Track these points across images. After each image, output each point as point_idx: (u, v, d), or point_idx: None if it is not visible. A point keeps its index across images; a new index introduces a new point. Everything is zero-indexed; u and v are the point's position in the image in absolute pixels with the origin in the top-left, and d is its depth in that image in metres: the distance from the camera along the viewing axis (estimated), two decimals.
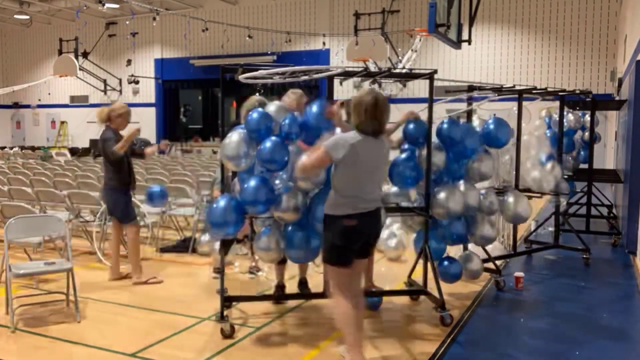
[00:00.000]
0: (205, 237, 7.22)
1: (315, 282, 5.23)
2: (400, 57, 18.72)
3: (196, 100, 26.11)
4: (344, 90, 19.74)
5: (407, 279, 5.59)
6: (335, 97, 4.73)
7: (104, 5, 16.32)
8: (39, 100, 26.87)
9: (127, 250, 6.20)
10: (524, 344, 4.43)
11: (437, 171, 5.23)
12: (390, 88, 19.90)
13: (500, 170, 6.18)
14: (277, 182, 4.46)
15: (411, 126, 5.04)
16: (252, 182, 4.29)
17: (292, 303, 5.22)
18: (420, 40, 17.59)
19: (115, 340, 4.39)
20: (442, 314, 4.73)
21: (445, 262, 5.41)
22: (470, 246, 5.80)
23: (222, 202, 4.35)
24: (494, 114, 5.67)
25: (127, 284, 5.98)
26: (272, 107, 4.52)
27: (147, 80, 24.30)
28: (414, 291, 5.39)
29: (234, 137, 4.35)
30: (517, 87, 6.44)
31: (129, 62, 24.27)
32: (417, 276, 5.41)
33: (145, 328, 4.67)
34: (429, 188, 5.01)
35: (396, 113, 4.68)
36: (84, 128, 25.58)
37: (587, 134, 8.24)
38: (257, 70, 4.72)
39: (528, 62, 18.02)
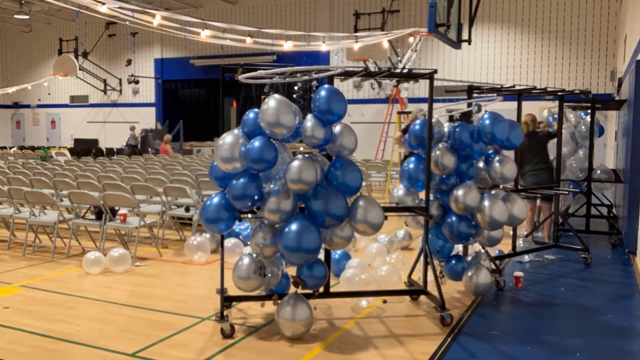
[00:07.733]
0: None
1: None
2: (400, 57, 18.71)
3: (196, 99, 26.08)
4: (343, 91, 19.73)
5: (407, 279, 5.59)
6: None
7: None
8: (39, 100, 26.85)
9: None
10: (524, 343, 4.43)
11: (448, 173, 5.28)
12: (391, 88, 19.89)
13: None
14: (271, 185, 4.41)
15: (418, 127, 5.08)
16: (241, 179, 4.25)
17: None
18: (420, 40, 17.56)
19: (115, 340, 4.39)
20: (442, 314, 4.73)
21: (453, 261, 5.47)
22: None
23: (215, 199, 4.35)
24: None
25: (127, 284, 5.98)
26: None
27: (147, 80, 24.28)
28: (414, 291, 5.39)
29: (228, 138, 4.30)
30: (517, 87, 6.45)
31: (128, 62, 24.26)
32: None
33: (145, 328, 4.67)
34: (429, 188, 5.01)
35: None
36: (84, 128, 25.56)
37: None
38: (257, 70, 4.72)
39: (528, 62, 18.01)
